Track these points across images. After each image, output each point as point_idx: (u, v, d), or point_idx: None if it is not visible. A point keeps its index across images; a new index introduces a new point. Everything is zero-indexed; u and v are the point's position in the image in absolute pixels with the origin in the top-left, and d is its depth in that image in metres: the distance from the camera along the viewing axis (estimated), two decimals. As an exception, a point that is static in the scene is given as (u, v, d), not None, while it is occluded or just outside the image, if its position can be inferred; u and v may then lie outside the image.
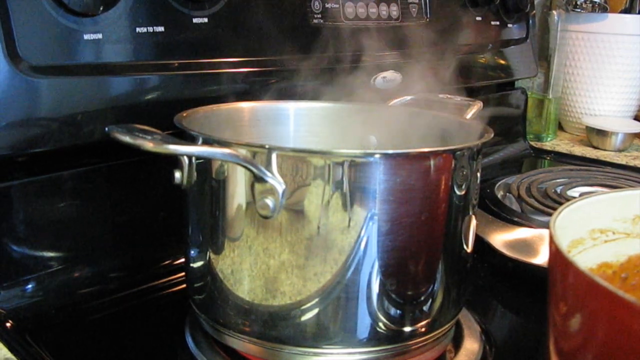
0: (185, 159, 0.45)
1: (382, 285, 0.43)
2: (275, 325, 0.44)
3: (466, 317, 0.54)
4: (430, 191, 0.43)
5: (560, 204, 0.55)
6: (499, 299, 0.64)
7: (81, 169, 0.57)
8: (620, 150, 1.11)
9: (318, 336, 0.43)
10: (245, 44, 0.64)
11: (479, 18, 0.90)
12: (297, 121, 0.60)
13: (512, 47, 0.99)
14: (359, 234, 0.41)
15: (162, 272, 0.61)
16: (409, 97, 0.64)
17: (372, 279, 0.42)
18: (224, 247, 0.44)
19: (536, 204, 0.76)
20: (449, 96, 0.63)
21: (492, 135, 0.47)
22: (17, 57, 0.50)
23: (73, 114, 0.54)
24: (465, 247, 0.47)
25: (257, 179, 0.41)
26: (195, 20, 0.60)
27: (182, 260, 0.54)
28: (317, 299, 0.42)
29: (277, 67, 0.66)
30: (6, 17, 0.49)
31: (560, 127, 1.25)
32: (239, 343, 0.46)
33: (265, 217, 0.41)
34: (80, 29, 0.53)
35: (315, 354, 0.44)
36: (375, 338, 0.44)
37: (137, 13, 0.56)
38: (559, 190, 0.81)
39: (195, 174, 0.45)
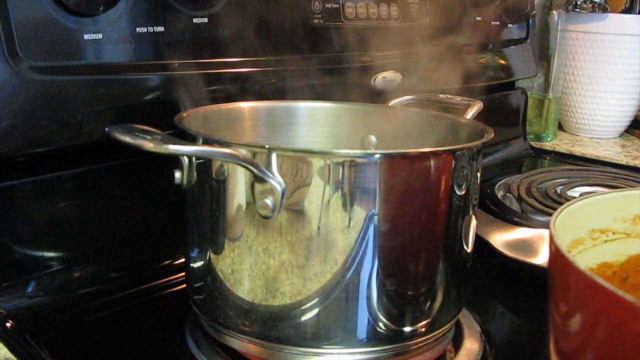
0: (186, 159, 0.45)
1: (382, 285, 0.43)
2: (276, 325, 0.44)
3: (466, 317, 0.54)
4: (430, 191, 0.43)
5: (560, 204, 0.55)
6: (499, 299, 0.64)
7: (81, 169, 0.57)
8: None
9: (318, 336, 0.43)
10: (245, 44, 0.64)
11: (479, 18, 0.90)
12: (297, 121, 0.60)
13: (512, 47, 0.99)
14: (359, 234, 0.41)
15: (162, 272, 0.61)
16: (409, 97, 0.63)
17: (372, 279, 0.42)
18: (224, 247, 0.44)
19: (536, 204, 0.76)
20: (449, 96, 0.63)
21: (492, 135, 0.47)
22: (17, 57, 0.50)
23: (73, 114, 0.54)
24: (465, 247, 0.47)
25: (257, 179, 0.41)
26: (195, 20, 0.60)
27: (182, 260, 0.54)
28: (317, 299, 0.42)
29: (277, 67, 0.66)
30: (6, 17, 0.49)
31: (560, 127, 1.25)
32: (239, 343, 0.46)
33: (265, 217, 0.41)
34: (80, 29, 0.53)
35: (315, 354, 0.44)
36: (375, 338, 0.44)
37: (137, 13, 0.56)
38: (559, 190, 0.81)
39: (195, 174, 0.45)
